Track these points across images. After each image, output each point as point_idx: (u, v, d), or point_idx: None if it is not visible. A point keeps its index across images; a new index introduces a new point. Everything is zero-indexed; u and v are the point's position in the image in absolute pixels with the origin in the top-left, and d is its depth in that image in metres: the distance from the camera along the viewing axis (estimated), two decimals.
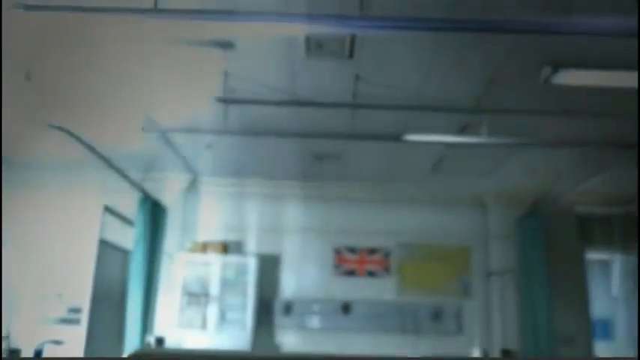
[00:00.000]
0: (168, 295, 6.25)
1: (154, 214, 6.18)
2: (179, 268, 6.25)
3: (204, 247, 6.41)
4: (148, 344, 5.58)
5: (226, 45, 3.42)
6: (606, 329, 8.35)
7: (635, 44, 2.68)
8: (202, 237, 6.61)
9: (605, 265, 8.66)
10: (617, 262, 8.77)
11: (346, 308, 6.72)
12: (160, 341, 5.57)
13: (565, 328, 6.30)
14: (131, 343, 5.72)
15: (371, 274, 6.89)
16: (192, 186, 6.74)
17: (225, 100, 4.05)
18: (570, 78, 3.41)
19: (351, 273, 6.87)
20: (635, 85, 2.70)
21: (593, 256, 7.33)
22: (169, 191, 6.58)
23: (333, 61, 3.59)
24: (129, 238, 6.06)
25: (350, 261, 6.90)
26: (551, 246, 6.25)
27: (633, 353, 7.39)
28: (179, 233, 6.57)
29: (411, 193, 6.89)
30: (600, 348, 7.08)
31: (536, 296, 6.07)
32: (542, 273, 6.08)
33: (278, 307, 6.65)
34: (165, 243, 6.41)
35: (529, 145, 4.66)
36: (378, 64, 3.62)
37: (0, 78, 3.78)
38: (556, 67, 3.36)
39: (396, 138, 4.37)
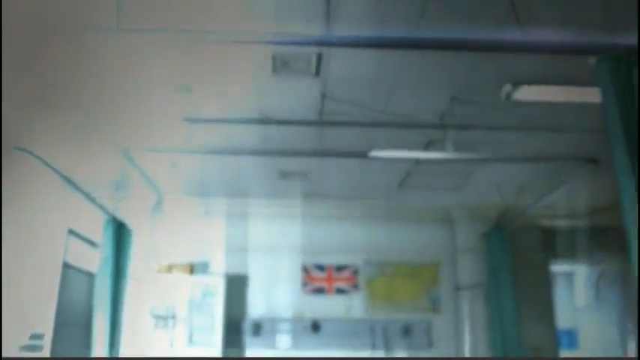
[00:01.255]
0: (134, 317, 6.09)
1: (119, 235, 6.03)
2: (145, 290, 6.10)
3: (169, 269, 6.28)
4: None
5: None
6: (571, 339, 8.50)
7: (588, 61, 2.78)
8: (168, 258, 6.49)
9: (569, 277, 8.86)
10: (580, 273, 8.99)
11: (315, 327, 6.67)
12: None
13: (532, 339, 6.39)
14: None
15: (340, 291, 6.87)
16: (158, 206, 6.62)
17: (192, 120, 4.02)
18: (530, 94, 3.50)
19: (319, 291, 6.84)
20: (594, 100, 2.80)
21: (557, 268, 7.49)
22: (135, 212, 6.44)
23: (300, 78, 3.60)
24: (94, 260, 5.90)
25: (318, 279, 6.87)
26: (517, 259, 6.37)
27: None
28: (145, 255, 6.43)
29: (379, 209, 6.92)
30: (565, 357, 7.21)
31: (504, 308, 6.15)
32: (509, 285, 6.17)
33: (247, 328, 6.55)
34: (131, 265, 6.26)
35: (493, 160, 4.75)
36: (344, 82, 3.65)
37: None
38: (516, 84, 3.45)
39: (363, 155, 4.40)
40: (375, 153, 4.35)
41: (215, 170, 5.62)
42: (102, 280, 5.79)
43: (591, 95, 2.87)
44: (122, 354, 5.83)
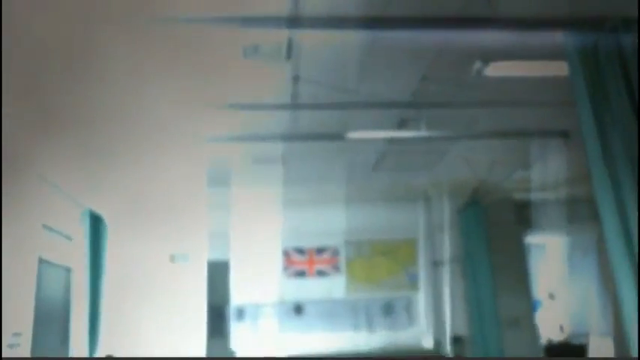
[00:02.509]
0: (114, 309, 6.04)
1: (96, 228, 5.96)
2: (123, 282, 6.05)
3: (149, 258, 6.24)
4: None
5: None
6: None
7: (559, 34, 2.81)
8: (147, 248, 6.44)
9: (543, 248, 9.07)
10: (554, 244, 9.21)
11: (298, 309, 6.73)
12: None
13: (509, 311, 6.54)
14: None
15: (321, 273, 6.92)
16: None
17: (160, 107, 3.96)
18: (501, 70, 3.54)
19: (301, 274, 6.88)
20: (562, 73, 2.85)
21: (531, 239, 7.66)
22: (110, 204, 6.36)
23: (271, 62, 3.57)
24: (70, 255, 5.82)
25: (299, 262, 6.91)
26: (493, 232, 6.48)
27: (574, 330, 7.76)
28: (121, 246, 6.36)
29: (355, 191, 6.96)
30: None
31: (481, 282, 6.27)
32: (485, 259, 6.29)
33: (230, 314, 6.57)
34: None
35: (466, 137, 4.80)
36: (315, 64, 3.63)
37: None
38: (486, 60, 3.47)
39: (337, 137, 4.41)
40: (349, 134, 4.36)
41: (189, 158, 5.56)
42: (79, 275, 5.73)
43: (560, 69, 2.91)
44: (104, 348, 5.80)
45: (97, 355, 5.58)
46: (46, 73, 3.46)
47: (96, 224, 5.97)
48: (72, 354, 5.54)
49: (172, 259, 6.44)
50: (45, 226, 5.41)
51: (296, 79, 3.79)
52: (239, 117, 4.44)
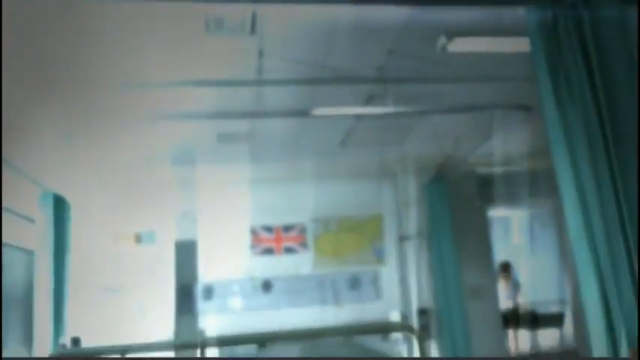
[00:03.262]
0: (81, 292, 5.96)
1: (59, 210, 5.82)
2: (89, 263, 5.96)
3: (115, 239, 6.15)
4: (64, 346, 5.31)
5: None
6: None
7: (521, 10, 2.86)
8: (112, 229, 6.34)
9: (505, 221, 9.33)
10: (515, 217, 9.48)
11: (266, 286, 6.77)
12: (76, 341, 5.32)
13: (473, 282, 6.74)
14: (42, 347, 5.41)
15: (289, 250, 6.96)
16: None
17: (124, 85, 3.87)
18: (464, 45, 3.58)
19: (269, 251, 6.91)
20: (524, 49, 2.90)
21: (494, 213, 7.86)
22: (72, 184, 6.22)
23: (235, 38, 3.52)
24: (32, 237, 5.68)
25: (267, 240, 6.93)
26: (456, 207, 6.61)
27: (535, 298, 8.05)
28: (86, 227, 6.25)
29: (322, 167, 6.98)
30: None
31: (445, 254, 6.42)
32: (449, 233, 6.43)
33: (198, 293, 6.56)
34: (72, 238, 6.08)
35: (432, 112, 4.86)
36: (280, 39, 3.60)
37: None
38: (450, 36, 3.51)
39: (304, 113, 4.40)
40: (315, 111, 4.35)
41: (153, 136, 5.46)
42: (42, 257, 5.61)
43: (522, 45, 2.97)
44: (69, 331, 5.72)
45: (63, 338, 5.50)
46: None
47: (59, 206, 5.84)
48: (36, 338, 5.45)
49: (138, 239, 6.37)
50: (6, 209, 5.27)
51: (261, 54, 3.75)
52: (203, 94, 4.37)
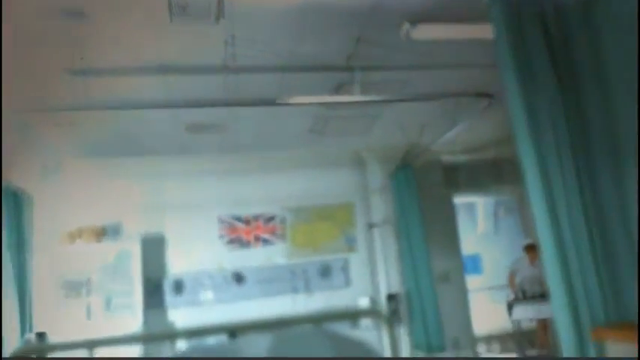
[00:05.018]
0: (45, 289, 5.82)
1: (17, 204, 5.65)
2: (53, 258, 5.82)
3: (79, 234, 6.02)
4: (29, 341, 5.18)
5: (78, 15, 3.16)
6: (475, 264, 9.23)
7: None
8: (76, 224, 6.19)
9: (471, 207, 9.50)
10: (481, 203, 9.67)
11: (238, 278, 6.74)
12: (41, 336, 5.20)
13: (441, 267, 6.86)
14: (10, 344, 5.27)
15: (259, 240, 6.94)
16: (57, 170, 6.23)
17: (83, 73, 3.76)
18: (428, 32, 3.60)
19: (239, 242, 6.87)
20: (487, 36, 2.93)
21: (460, 200, 7.99)
22: (32, 178, 6.04)
23: (200, 24, 3.46)
24: None
25: (237, 230, 6.88)
26: (423, 194, 6.70)
27: (499, 282, 8.24)
28: (49, 222, 6.09)
29: (292, 157, 6.97)
30: (471, 280, 7.83)
31: (413, 241, 6.50)
32: (417, 220, 6.51)
33: (168, 287, 6.48)
34: (34, 234, 5.91)
35: (397, 100, 4.89)
36: (247, 26, 3.56)
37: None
38: (414, 22, 3.52)
39: (272, 102, 4.37)
40: (284, 99, 4.33)
41: (117, 127, 5.34)
42: (3, 254, 5.44)
43: (485, 32, 2.99)
44: (35, 328, 5.59)
45: (30, 332, 5.36)
46: None
47: (17, 199, 5.66)
48: (4, 335, 5.30)
49: (104, 232, 6.24)
50: None
51: (228, 42, 3.70)
52: (169, 82, 4.29)
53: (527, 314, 6.70)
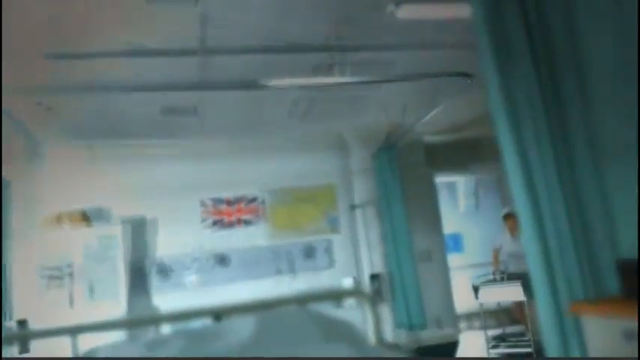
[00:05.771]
0: (26, 276, 5.75)
1: None
2: (34, 245, 5.74)
3: (59, 219, 5.94)
4: (10, 329, 5.14)
5: None
6: (456, 242, 9.34)
7: None
8: (56, 208, 6.11)
9: (452, 187, 9.58)
10: (461, 182, 9.75)
11: (222, 260, 6.74)
12: (22, 323, 5.16)
13: (422, 246, 6.93)
14: None
15: (243, 222, 6.93)
16: (35, 154, 6.12)
17: (57, 55, 3.68)
18: (412, 12, 3.60)
19: (223, 225, 6.86)
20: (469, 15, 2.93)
21: (441, 179, 8.06)
22: (9, 163, 5.92)
23: (177, 5, 3.40)
24: None
25: (221, 213, 6.87)
26: (405, 174, 6.73)
27: (480, 261, 8.36)
28: (28, 208, 5.99)
29: (274, 139, 6.93)
30: (453, 259, 7.93)
31: (395, 221, 6.56)
32: (399, 200, 6.56)
33: (152, 272, 6.46)
34: (13, 220, 5.82)
35: (379, 81, 4.87)
36: (225, 7, 3.50)
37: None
38: (398, 2, 3.51)
39: (251, 84, 4.32)
40: (264, 81, 4.29)
41: (94, 111, 5.25)
42: None
43: (467, 11, 2.99)
44: (16, 316, 5.54)
45: (10, 320, 5.31)
46: None
47: None
48: None
49: (85, 218, 6.17)
50: None
51: (204, 22, 3.64)
52: (144, 65, 4.22)
53: (491, 297, 6.43)
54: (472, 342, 7.29)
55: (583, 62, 2.65)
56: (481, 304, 6.50)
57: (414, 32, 4.08)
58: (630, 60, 2.42)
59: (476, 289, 6.37)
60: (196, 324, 2.08)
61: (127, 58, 4.01)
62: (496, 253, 7.20)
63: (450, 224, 8.57)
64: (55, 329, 2.01)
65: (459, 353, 6.81)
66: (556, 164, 2.65)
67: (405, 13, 3.58)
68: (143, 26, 3.63)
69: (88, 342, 1.96)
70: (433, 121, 6.09)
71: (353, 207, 7.17)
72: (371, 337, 1.89)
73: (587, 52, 2.64)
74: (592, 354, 2.41)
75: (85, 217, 6.09)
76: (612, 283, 2.52)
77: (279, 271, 6.88)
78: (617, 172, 2.56)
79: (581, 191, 2.64)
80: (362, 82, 4.73)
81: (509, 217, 6.89)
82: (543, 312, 2.62)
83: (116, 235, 6.11)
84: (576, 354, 2.48)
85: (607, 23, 2.45)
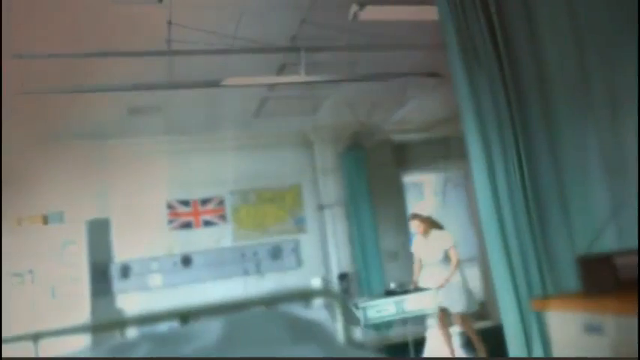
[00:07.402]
0: None
1: None
2: None
3: (19, 221, 5.77)
4: None
5: None
6: None
7: None
8: (16, 212, 5.93)
9: (420, 185, 9.68)
10: (429, 181, 9.86)
11: (186, 261, 6.65)
12: None
13: (389, 245, 6.99)
14: None
15: (207, 223, 6.86)
16: None
17: (21, 56, 3.59)
18: (376, 13, 3.62)
19: (187, 226, 6.77)
20: (434, 17, 2.97)
21: (408, 178, 8.14)
22: None
23: (142, 5, 3.35)
24: None
25: (184, 214, 6.78)
26: (372, 174, 6.77)
27: None
28: None
29: (237, 139, 6.87)
30: None
31: (363, 221, 6.59)
32: (366, 200, 6.60)
33: (115, 272, 6.33)
34: None
35: (345, 80, 4.89)
36: (190, 7, 3.47)
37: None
38: (362, 4, 3.53)
39: (216, 84, 4.29)
40: (227, 81, 4.26)
41: (59, 112, 5.13)
42: None
43: (431, 13, 3.03)
44: None
45: None
46: None
47: None
48: None
49: (45, 220, 6.01)
50: None
51: (170, 23, 3.60)
52: (110, 65, 4.14)
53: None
54: (440, 339, 7.37)
55: (542, 59, 2.73)
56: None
57: (381, 32, 4.12)
58: (587, 59, 2.51)
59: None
60: (162, 327, 2.04)
61: (92, 58, 3.92)
62: (418, 263, 6.16)
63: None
64: (16, 336, 1.94)
65: (427, 350, 6.89)
66: (517, 160, 2.71)
67: (368, 14, 3.61)
68: (109, 26, 3.56)
69: (51, 348, 1.90)
70: (401, 119, 6.15)
71: (321, 207, 7.18)
72: (340, 337, 1.89)
73: (547, 52, 2.72)
74: (555, 348, 2.47)
75: (45, 220, 5.93)
76: (571, 279, 2.59)
77: (245, 272, 6.83)
78: (574, 170, 2.64)
79: (541, 186, 2.71)
80: (326, 81, 4.74)
81: (415, 219, 6.07)
82: (505, 308, 2.68)
83: (78, 236, 5.97)
84: (539, 349, 2.54)
85: (563, 21, 2.53)
